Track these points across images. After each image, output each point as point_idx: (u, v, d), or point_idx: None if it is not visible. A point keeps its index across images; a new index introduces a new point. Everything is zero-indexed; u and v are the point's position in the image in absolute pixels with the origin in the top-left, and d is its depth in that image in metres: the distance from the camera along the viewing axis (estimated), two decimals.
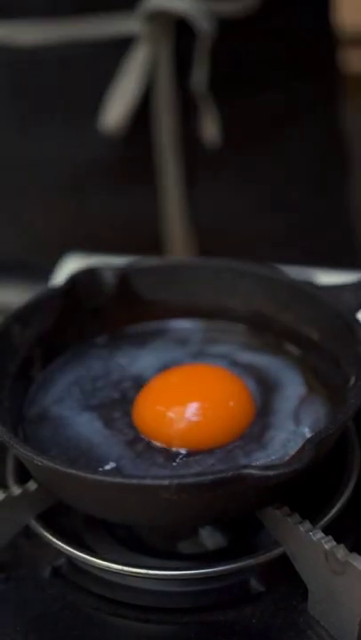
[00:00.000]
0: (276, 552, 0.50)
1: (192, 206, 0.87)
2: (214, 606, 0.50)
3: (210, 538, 0.54)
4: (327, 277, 0.70)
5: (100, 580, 0.51)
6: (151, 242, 0.87)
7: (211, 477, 0.45)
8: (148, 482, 0.45)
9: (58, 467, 0.46)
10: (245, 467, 0.45)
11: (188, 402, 0.53)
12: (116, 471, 0.51)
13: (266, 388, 0.56)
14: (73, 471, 0.46)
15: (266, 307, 0.60)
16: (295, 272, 0.71)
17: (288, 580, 0.50)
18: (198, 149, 0.85)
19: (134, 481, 0.46)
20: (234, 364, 0.58)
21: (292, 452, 0.51)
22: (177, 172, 0.86)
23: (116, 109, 0.81)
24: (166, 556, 0.53)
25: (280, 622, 0.49)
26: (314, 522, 0.51)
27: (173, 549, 0.54)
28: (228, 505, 0.48)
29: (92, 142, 0.84)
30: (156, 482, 0.45)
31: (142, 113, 0.82)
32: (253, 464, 0.47)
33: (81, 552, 0.51)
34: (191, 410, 0.53)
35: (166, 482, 0.45)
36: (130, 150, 0.85)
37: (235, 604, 0.50)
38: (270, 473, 0.45)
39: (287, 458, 0.48)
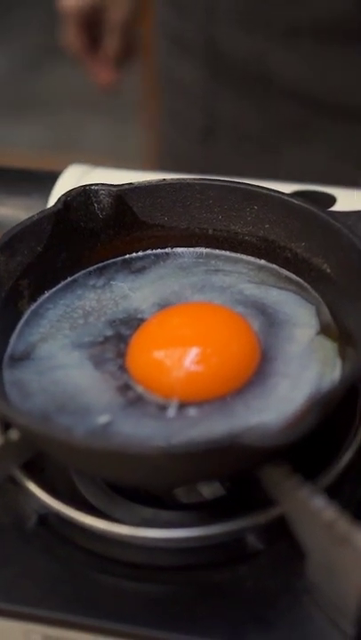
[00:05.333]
0: (277, 511, 0.47)
1: None
2: (208, 565, 0.47)
3: (207, 486, 0.50)
4: (347, 197, 0.64)
5: (87, 533, 0.48)
6: None
7: (202, 446, 0.41)
8: (134, 450, 0.41)
9: (34, 428, 0.43)
10: (241, 435, 0.41)
11: (187, 349, 0.49)
12: (106, 426, 0.47)
13: (272, 327, 0.52)
14: (50, 433, 0.42)
15: (276, 234, 0.55)
16: (315, 188, 0.65)
17: (288, 539, 0.46)
18: None
19: (118, 448, 0.42)
20: (239, 298, 0.53)
21: (296, 403, 0.47)
22: None
23: None
24: (160, 504, 0.50)
25: (276, 585, 0.46)
26: (317, 478, 0.47)
27: (168, 496, 0.51)
28: (224, 467, 0.45)
29: None
30: (142, 450, 0.41)
31: None
32: (251, 427, 0.43)
33: (64, 505, 0.47)
34: (191, 358, 0.48)
35: (153, 450, 0.41)
36: None
37: (230, 562, 0.47)
38: (267, 443, 0.41)
39: (289, 417, 0.44)
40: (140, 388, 0.49)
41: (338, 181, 0.75)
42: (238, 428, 0.46)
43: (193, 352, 0.49)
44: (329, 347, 0.51)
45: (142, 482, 0.47)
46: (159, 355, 0.49)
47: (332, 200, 0.64)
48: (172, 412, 0.48)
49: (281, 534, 0.47)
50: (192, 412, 0.48)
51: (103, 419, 0.47)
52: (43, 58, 2.02)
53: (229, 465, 0.44)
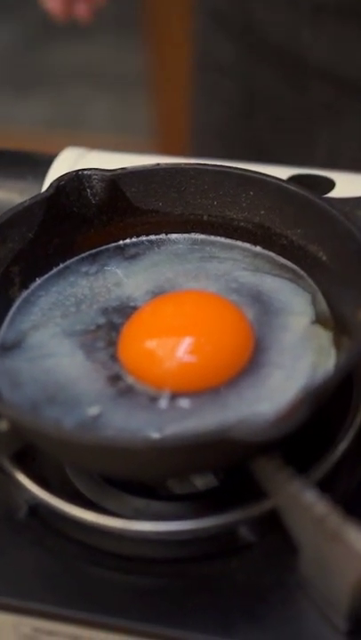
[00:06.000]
0: (270, 503, 0.46)
1: None
2: (200, 557, 0.47)
3: (200, 477, 0.50)
4: (347, 181, 0.62)
5: (78, 525, 0.48)
6: None
7: (192, 441, 0.40)
8: (122, 444, 0.41)
9: (23, 420, 0.42)
10: (231, 429, 0.40)
11: (179, 339, 0.48)
12: (96, 418, 0.46)
13: (267, 316, 0.51)
14: (39, 426, 0.42)
15: (271, 220, 0.54)
16: (314, 172, 0.64)
17: (281, 532, 0.45)
18: None
19: (106, 442, 0.41)
20: (234, 286, 0.52)
21: (290, 393, 0.47)
22: None
23: None
24: (152, 494, 0.49)
25: (268, 579, 0.46)
26: (310, 471, 0.47)
27: (161, 487, 0.50)
28: (215, 460, 0.44)
29: None
30: (130, 444, 0.41)
31: None
32: (242, 421, 0.42)
33: (54, 497, 0.47)
34: (183, 348, 0.48)
35: (142, 445, 0.40)
36: None
37: (222, 555, 0.47)
38: (258, 437, 0.40)
39: (282, 409, 0.43)
40: (131, 379, 0.48)
41: None
42: (230, 420, 0.45)
43: (185, 342, 0.48)
44: (324, 336, 0.50)
45: (132, 474, 0.47)
46: (151, 344, 0.48)
47: (331, 184, 0.63)
48: (163, 403, 0.47)
49: (274, 526, 0.46)
50: (184, 403, 0.47)
51: (93, 410, 0.47)
52: (45, 33, 2.00)
53: (220, 458, 0.44)
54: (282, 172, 0.62)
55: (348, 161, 0.83)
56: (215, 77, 0.93)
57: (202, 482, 0.50)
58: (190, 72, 0.99)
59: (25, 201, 0.53)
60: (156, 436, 0.45)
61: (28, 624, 0.46)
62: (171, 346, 0.48)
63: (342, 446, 0.48)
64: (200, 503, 0.48)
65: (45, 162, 0.67)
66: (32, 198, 0.53)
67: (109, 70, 2.05)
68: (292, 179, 0.62)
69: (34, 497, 0.48)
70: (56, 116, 2.02)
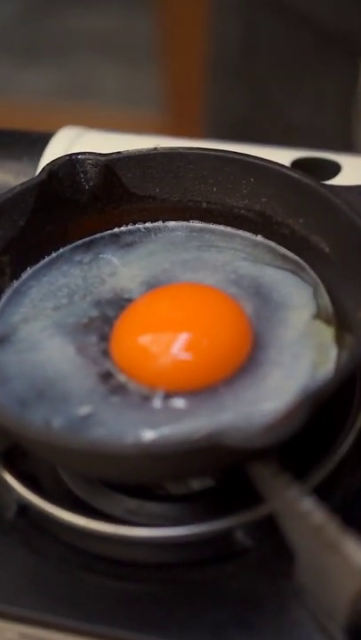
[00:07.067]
0: (267, 507, 0.44)
1: None
2: (194, 562, 0.45)
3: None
4: (353, 164, 0.60)
5: (68, 527, 0.46)
6: None
7: (182, 447, 0.39)
8: (110, 450, 0.39)
9: (8, 421, 0.40)
10: (224, 435, 0.38)
11: (174, 335, 0.46)
12: (87, 418, 0.44)
13: (266, 311, 0.49)
14: (22, 427, 0.40)
15: (272, 208, 0.51)
16: (320, 154, 0.62)
17: (278, 536, 0.44)
18: None
19: (94, 447, 0.39)
20: (233, 277, 0.50)
21: (289, 394, 0.45)
22: None
23: None
24: (147, 494, 0.47)
25: (264, 587, 0.44)
26: (308, 475, 0.45)
27: (156, 486, 0.48)
28: (208, 465, 0.42)
29: None
30: (119, 449, 0.39)
31: None
32: (235, 426, 0.41)
33: (42, 500, 0.45)
34: (178, 345, 0.45)
35: (131, 450, 0.39)
36: None
37: (216, 560, 0.45)
38: (252, 444, 0.38)
39: (279, 413, 0.41)
40: (123, 376, 0.46)
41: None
42: (226, 422, 0.43)
43: (181, 339, 0.46)
44: (325, 332, 0.48)
45: (123, 478, 0.45)
46: (144, 340, 0.46)
47: (336, 168, 0.60)
48: (157, 402, 0.45)
49: (271, 530, 0.44)
50: (178, 402, 0.45)
51: (84, 409, 0.45)
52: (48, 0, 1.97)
53: (214, 464, 0.42)
54: (286, 155, 0.60)
55: (330, 113, 0.84)
56: (226, 20, 0.93)
57: (198, 482, 0.48)
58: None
59: (15, 187, 0.50)
60: (148, 438, 0.43)
61: (14, 630, 0.44)
62: (165, 342, 0.46)
63: (342, 450, 0.46)
64: (196, 504, 0.47)
65: (41, 142, 0.65)
66: (23, 184, 0.51)
67: (117, 39, 2.01)
68: (296, 162, 0.59)
69: (21, 498, 0.46)
70: (60, 89, 1.99)
